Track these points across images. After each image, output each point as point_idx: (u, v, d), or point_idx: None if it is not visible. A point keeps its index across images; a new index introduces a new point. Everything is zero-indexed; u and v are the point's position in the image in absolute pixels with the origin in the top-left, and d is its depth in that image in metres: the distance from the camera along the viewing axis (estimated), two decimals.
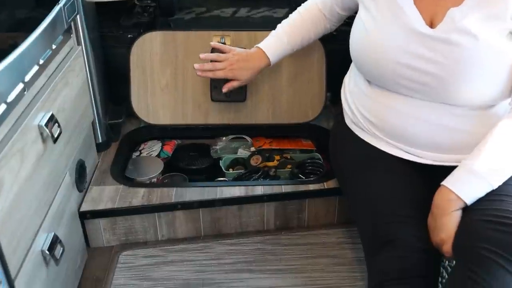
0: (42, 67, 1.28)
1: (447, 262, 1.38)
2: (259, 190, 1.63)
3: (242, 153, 1.91)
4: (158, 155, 1.88)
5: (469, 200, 1.17)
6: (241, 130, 1.97)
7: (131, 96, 1.87)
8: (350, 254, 1.57)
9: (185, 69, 1.87)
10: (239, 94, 1.86)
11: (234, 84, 1.65)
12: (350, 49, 1.42)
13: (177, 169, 1.86)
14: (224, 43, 1.84)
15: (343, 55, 1.52)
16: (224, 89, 1.66)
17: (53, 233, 1.27)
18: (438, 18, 1.25)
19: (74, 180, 1.52)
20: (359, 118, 1.43)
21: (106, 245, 1.62)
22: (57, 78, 1.35)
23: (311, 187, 1.64)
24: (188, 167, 1.86)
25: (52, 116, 1.26)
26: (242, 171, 1.81)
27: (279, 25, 1.65)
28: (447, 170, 1.23)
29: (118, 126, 1.92)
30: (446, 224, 1.17)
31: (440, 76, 1.24)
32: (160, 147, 1.92)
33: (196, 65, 1.66)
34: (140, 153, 1.90)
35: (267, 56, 1.62)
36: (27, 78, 1.18)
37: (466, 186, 1.18)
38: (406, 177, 1.33)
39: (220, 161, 1.86)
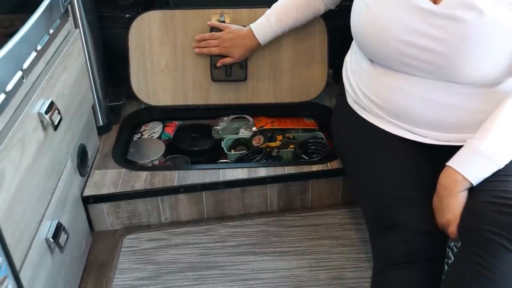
0: (40, 53, 1.25)
1: (452, 242, 1.38)
2: (261, 172, 1.62)
3: (244, 133, 1.89)
4: (159, 137, 1.87)
5: (475, 181, 1.15)
6: (242, 110, 1.96)
7: (131, 77, 1.85)
8: (355, 235, 1.57)
9: (185, 48, 1.85)
10: (240, 74, 1.84)
11: (227, 60, 1.76)
12: (351, 26, 1.39)
13: (178, 151, 1.85)
14: (223, 21, 1.82)
15: (345, 31, 1.49)
16: (218, 64, 1.77)
17: (56, 221, 1.26)
18: None
19: (76, 165, 1.51)
20: (361, 97, 1.41)
21: (110, 229, 1.62)
22: (55, 63, 1.32)
23: (314, 168, 1.63)
24: (189, 148, 1.85)
25: (52, 103, 1.24)
26: (244, 151, 1.80)
27: (274, 5, 1.67)
28: (452, 150, 1.21)
29: (118, 108, 1.90)
30: (452, 205, 1.16)
31: (444, 53, 1.21)
32: (161, 129, 1.90)
33: (194, 44, 1.79)
34: (142, 135, 1.88)
35: (256, 37, 1.70)
36: (25, 65, 1.16)
37: (472, 167, 1.16)
38: (410, 157, 1.32)
39: (222, 142, 1.85)
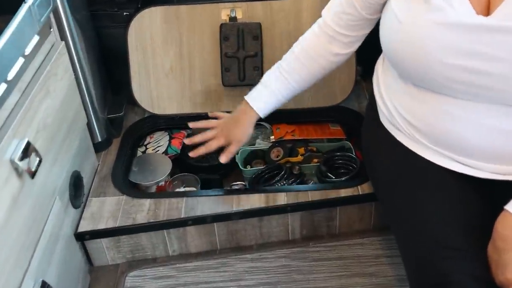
0: (13, 82, 1.04)
1: None
2: (281, 198, 1.40)
3: (261, 144, 1.68)
4: (166, 152, 1.65)
5: None
6: None
7: (132, 84, 1.64)
8: (391, 271, 1.35)
9: (191, 49, 1.63)
10: (255, 77, 1.62)
11: (231, 150, 1.37)
12: (382, 47, 1.15)
13: (187, 167, 1.64)
14: (234, 17, 1.59)
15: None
16: (223, 159, 1.38)
17: (40, 280, 1.07)
18: (496, 1, 0.97)
19: (68, 198, 1.32)
20: (397, 119, 1.17)
21: (111, 263, 1.44)
22: (34, 89, 1.11)
23: (343, 193, 1.41)
24: (199, 164, 1.64)
25: (28, 145, 1.03)
26: (261, 168, 1.58)
27: (273, 69, 1.35)
28: (511, 186, 1.01)
29: (119, 119, 1.69)
30: None
31: (504, 75, 0.96)
32: (168, 141, 1.68)
33: (186, 140, 1.43)
34: (146, 149, 1.68)
35: (250, 106, 1.34)
36: None
37: None
38: (460, 194, 1.09)
39: (236, 155, 1.63)
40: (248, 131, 1.37)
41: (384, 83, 1.24)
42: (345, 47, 1.29)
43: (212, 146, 1.37)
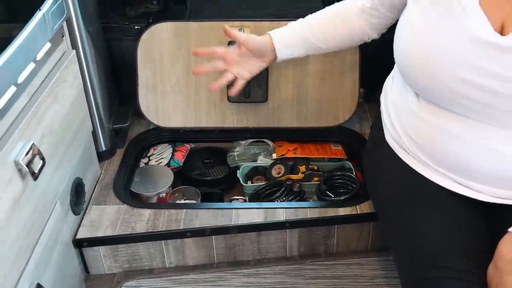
0: (22, 86, 1.07)
1: None
2: (280, 214, 1.41)
3: (263, 160, 1.69)
4: (168, 164, 1.67)
5: None
6: (261, 133, 1.75)
7: (138, 95, 1.66)
8: None
9: (199, 64, 1.61)
10: (259, 94, 1.65)
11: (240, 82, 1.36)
12: (395, 53, 1.15)
13: (189, 180, 1.65)
14: None
15: (379, 44, 1.29)
16: (220, 82, 1.36)
17: (35, 283, 1.08)
18: (511, 22, 0.97)
19: (69, 205, 1.33)
20: (402, 137, 1.18)
21: (107, 272, 1.44)
22: (42, 95, 1.14)
23: (341, 211, 1.42)
24: (201, 178, 1.65)
25: (32, 147, 1.05)
26: (262, 184, 1.60)
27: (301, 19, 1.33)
28: None
29: (124, 130, 1.71)
30: None
31: (511, 96, 0.97)
32: (171, 154, 1.70)
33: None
34: (149, 160, 1.69)
35: (273, 44, 1.30)
36: (1, 104, 0.97)
37: None
38: (461, 217, 1.09)
39: (238, 171, 1.65)
40: (256, 67, 1.34)
41: (392, 100, 1.24)
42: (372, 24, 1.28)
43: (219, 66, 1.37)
